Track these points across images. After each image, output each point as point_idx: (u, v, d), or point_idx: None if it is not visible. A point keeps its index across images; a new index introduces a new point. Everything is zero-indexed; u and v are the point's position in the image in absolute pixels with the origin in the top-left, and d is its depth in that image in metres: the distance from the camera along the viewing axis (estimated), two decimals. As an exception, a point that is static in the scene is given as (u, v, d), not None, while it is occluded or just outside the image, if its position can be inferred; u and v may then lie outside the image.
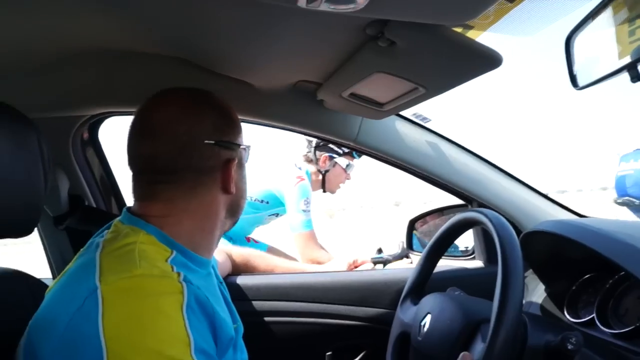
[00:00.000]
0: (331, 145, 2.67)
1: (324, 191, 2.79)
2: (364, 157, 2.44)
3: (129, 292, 0.80)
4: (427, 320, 1.14)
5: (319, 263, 2.35)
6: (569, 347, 0.91)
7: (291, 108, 1.54)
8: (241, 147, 1.07)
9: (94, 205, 1.73)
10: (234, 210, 1.09)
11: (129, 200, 1.83)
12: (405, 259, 2.51)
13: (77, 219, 1.64)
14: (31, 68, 1.32)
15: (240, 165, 1.08)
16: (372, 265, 2.03)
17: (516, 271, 0.93)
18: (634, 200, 4.03)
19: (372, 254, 2.82)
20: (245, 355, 1.09)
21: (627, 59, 0.85)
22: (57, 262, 1.76)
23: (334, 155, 2.69)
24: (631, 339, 1.06)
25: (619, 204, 4.25)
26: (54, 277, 1.79)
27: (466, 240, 1.93)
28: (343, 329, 1.75)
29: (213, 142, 1.00)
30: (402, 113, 1.64)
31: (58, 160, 1.60)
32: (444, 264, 1.90)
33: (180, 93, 1.05)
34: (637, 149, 4.16)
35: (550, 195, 1.83)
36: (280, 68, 1.30)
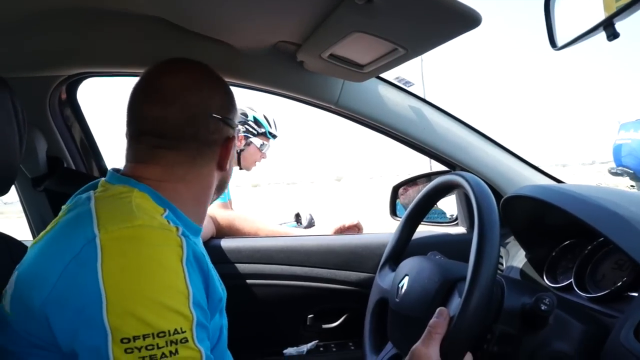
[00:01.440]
0: (247, 126, 2.82)
1: (240, 168, 2.91)
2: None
3: (129, 242, 0.81)
4: (405, 281, 1.14)
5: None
6: (542, 307, 0.92)
7: (271, 70, 1.51)
8: (235, 127, 1.11)
9: (73, 166, 1.71)
10: (221, 187, 1.12)
11: (110, 162, 1.82)
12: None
13: (57, 181, 1.63)
14: (4, 26, 1.29)
15: (233, 146, 1.10)
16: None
17: (492, 231, 0.93)
18: (629, 170, 4.01)
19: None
20: (226, 320, 1.09)
21: (604, 16, 0.83)
22: (36, 224, 1.75)
23: (249, 135, 2.82)
24: (605, 303, 1.07)
25: (613, 174, 4.26)
26: (34, 238, 1.78)
27: (453, 207, 1.93)
28: (325, 292, 1.76)
29: (220, 117, 1.04)
30: (384, 76, 1.62)
31: (35, 121, 1.57)
32: (427, 229, 1.91)
33: (193, 64, 1.08)
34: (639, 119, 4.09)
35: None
36: (259, 28, 1.27)
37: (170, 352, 0.75)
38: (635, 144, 3.95)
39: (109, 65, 1.52)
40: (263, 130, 2.82)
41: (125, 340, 0.73)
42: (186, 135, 1.00)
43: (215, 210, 2.11)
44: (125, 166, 1.02)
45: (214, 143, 1.04)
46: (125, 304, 0.75)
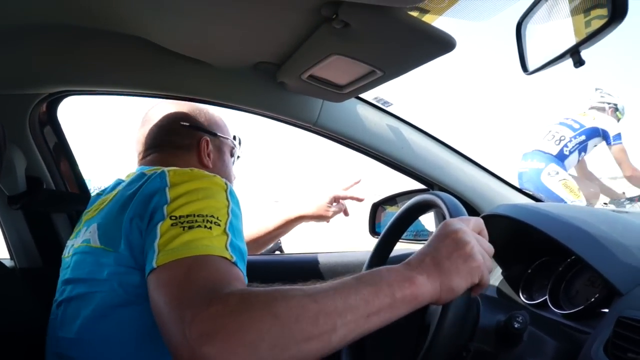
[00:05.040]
0: None
1: None
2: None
3: (188, 173, 1.03)
4: None
5: None
6: (516, 325, 0.94)
7: (251, 90, 1.52)
8: (220, 136, 1.42)
9: (53, 185, 1.69)
10: None
11: (91, 181, 1.80)
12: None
13: (37, 201, 1.62)
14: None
15: (220, 151, 1.43)
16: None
17: None
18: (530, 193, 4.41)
19: None
20: None
21: (571, 43, 0.86)
22: (13, 242, 1.72)
23: None
24: (579, 319, 1.10)
25: None
26: (11, 258, 1.76)
27: (432, 225, 1.94)
28: None
29: (188, 124, 1.35)
30: (363, 96, 1.64)
31: (14, 138, 1.56)
32: (406, 247, 1.92)
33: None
34: (535, 150, 4.63)
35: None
36: (238, 48, 1.29)
37: (205, 226, 0.88)
38: (531, 172, 4.53)
39: (91, 83, 1.51)
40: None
41: (173, 217, 0.90)
42: (163, 140, 1.32)
43: None
44: None
45: (190, 146, 1.34)
46: (180, 201, 0.94)
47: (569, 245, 1.10)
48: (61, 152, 1.75)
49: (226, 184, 1.03)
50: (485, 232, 0.91)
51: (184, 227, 0.88)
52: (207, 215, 0.90)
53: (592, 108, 4.64)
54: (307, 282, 0.83)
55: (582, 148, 4.51)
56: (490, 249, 0.87)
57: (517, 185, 4.41)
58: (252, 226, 1.87)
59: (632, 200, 4.53)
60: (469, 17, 1.05)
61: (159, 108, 1.38)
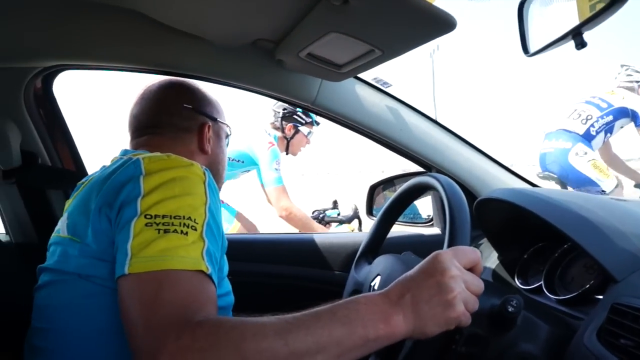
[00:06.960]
0: (295, 117, 3.18)
1: (287, 154, 3.29)
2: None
3: (165, 160, 0.98)
4: (377, 281, 1.15)
5: (291, 212, 2.93)
6: (510, 309, 0.93)
7: (249, 67, 1.51)
8: (219, 121, 1.34)
9: (48, 161, 1.68)
10: (214, 173, 1.20)
11: (86, 157, 1.80)
12: (356, 220, 3.13)
13: (32, 177, 1.61)
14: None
15: (219, 137, 1.35)
16: None
17: (463, 231, 0.94)
18: (554, 175, 4.23)
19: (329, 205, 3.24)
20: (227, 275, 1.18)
21: (573, 25, 0.84)
22: (9, 216, 1.72)
23: (298, 125, 3.21)
24: (573, 305, 1.09)
25: (541, 178, 4.46)
26: (6, 232, 1.75)
27: (429, 208, 1.94)
28: (296, 290, 1.76)
29: (191, 107, 1.27)
30: (362, 77, 1.62)
31: (9, 112, 1.55)
32: (403, 229, 1.92)
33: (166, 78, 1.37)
34: (559, 129, 4.32)
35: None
36: (237, 25, 1.27)
37: (182, 231, 0.86)
38: (557, 152, 4.21)
39: (86, 58, 1.49)
40: (310, 119, 3.24)
41: (148, 216, 0.87)
42: (163, 122, 1.24)
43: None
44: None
45: (189, 129, 1.27)
46: (155, 195, 0.90)
47: (565, 230, 1.09)
48: (57, 127, 1.74)
49: (205, 173, 0.99)
50: (480, 266, 0.88)
51: (159, 229, 0.86)
52: (183, 217, 0.88)
53: (620, 87, 4.39)
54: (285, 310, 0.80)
55: (609, 129, 4.26)
56: (479, 288, 0.84)
57: (540, 167, 4.37)
58: None
59: None
60: (471, -4, 1.03)
61: (159, 85, 1.30)
